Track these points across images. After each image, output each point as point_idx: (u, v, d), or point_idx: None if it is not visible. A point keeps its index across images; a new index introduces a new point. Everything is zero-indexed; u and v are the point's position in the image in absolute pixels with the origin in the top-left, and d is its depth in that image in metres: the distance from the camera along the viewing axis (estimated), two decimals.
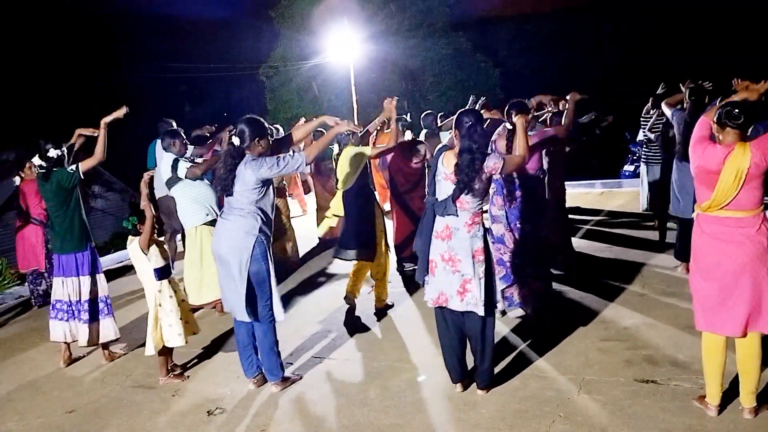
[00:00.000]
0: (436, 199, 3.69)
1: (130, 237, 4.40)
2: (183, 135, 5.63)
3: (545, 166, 5.09)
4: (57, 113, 24.93)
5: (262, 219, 3.97)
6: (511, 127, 4.62)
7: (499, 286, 4.65)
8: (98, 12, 29.04)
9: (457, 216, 3.60)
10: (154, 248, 4.35)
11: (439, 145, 3.86)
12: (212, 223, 5.37)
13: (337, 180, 5.37)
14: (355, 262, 5.43)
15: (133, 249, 4.35)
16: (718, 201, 3.14)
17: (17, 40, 25.53)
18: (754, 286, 3.16)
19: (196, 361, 4.82)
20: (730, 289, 3.20)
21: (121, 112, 5.00)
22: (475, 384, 3.88)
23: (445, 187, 3.64)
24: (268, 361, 4.15)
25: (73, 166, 4.84)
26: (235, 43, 31.61)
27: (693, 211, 3.42)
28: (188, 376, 4.55)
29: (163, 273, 4.37)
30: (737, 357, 3.31)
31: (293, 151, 4.47)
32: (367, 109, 24.31)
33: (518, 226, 4.83)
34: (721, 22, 22.67)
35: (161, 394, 4.34)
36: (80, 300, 4.90)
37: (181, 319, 4.40)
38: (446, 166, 3.63)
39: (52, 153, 4.82)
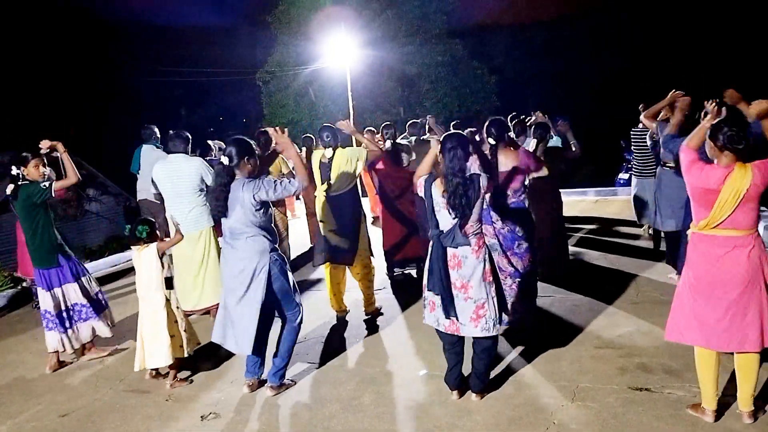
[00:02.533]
0: (441, 231, 3.62)
1: (138, 245, 4.39)
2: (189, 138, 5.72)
3: (526, 182, 5.02)
4: (55, 116, 24.89)
5: (269, 238, 4.00)
6: (493, 143, 4.63)
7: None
8: (97, 17, 29.01)
9: (470, 245, 3.57)
10: (165, 257, 4.41)
11: (423, 176, 3.73)
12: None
13: (329, 184, 5.28)
14: (329, 273, 5.44)
15: (148, 256, 4.34)
16: (714, 219, 3.16)
17: (16, 44, 25.49)
18: (746, 304, 3.19)
19: (190, 365, 4.80)
20: (724, 308, 3.22)
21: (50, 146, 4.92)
22: (470, 391, 3.88)
23: (445, 216, 3.60)
24: (281, 362, 4.21)
25: (46, 183, 4.78)
26: (232, 48, 31.67)
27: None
28: (192, 381, 4.55)
29: (171, 282, 4.44)
30: (736, 361, 3.33)
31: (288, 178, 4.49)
32: (363, 114, 24.35)
33: (515, 251, 4.73)
34: (720, 26, 22.78)
35: (155, 398, 4.32)
36: (73, 304, 4.96)
37: (185, 331, 4.48)
38: (442, 196, 3.59)
39: (15, 171, 4.81)
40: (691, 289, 3.34)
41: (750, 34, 22.15)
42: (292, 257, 7.73)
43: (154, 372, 4.56)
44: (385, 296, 6.00)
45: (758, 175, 3.07)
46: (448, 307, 3.61)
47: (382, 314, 5.61)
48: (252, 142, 4.03)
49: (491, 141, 4.64)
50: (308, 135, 8.85)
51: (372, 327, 5.35)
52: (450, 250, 3.61)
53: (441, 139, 3.70)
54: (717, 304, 3.24)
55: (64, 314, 4.93)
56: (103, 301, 5.24)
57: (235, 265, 3.97)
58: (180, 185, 5.47)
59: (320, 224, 5.32)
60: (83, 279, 5.07)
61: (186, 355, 4.47)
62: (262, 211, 3.94)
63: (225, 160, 3.88)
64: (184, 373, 4.64)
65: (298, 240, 8.58)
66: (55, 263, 4.91)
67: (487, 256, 3.65)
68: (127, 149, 7.68)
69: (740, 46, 22.40)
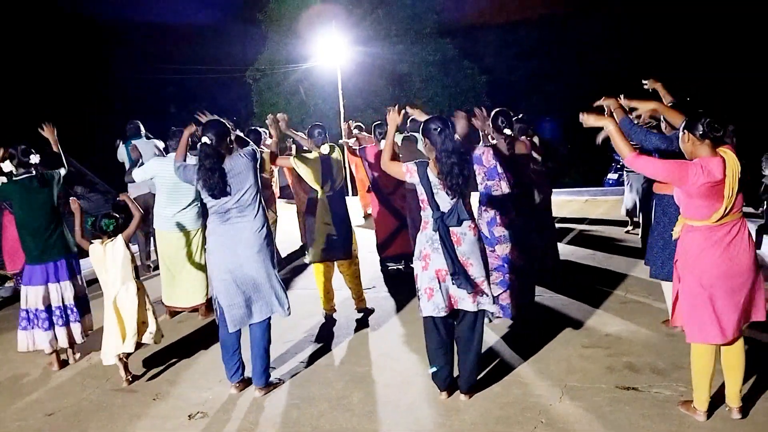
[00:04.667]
0: (442, 213, 3.64)
1: (101, 240, 4.38)
2: None
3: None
4: (45, 113, 24.66)
5: (265, 211, 4.10)
6: (509, 133, 4.77)
7: (495, 291, 4.72)
8: (86, 14, 28.78)
9: (470, 220, 3.65)
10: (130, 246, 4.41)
11: (410, 163, 3.75)
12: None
13: (332, 181, 5.25)
14: (321, 273, 5.39)
15: (116, 248, 4.34)
16: (727, 205, 3.19)
17: (6, 41, 25.23)
18: (752, 285, 3.26)
19: (177, 364, 4.78)
20: (744, 294, 3.25)
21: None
22: (458, 390, 3.89)
23: (444, 198, 3.63)
24: (261, 363, 4.14)
25: (60, 170, 4.90)
26: (222, 46, 31.45)
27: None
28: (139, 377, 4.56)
29: (137, 270, 4.46)
30: (723, 360, 3.36)
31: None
32: (354, 113, 24.31)
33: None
34: (716, 26, 22.87)
35: (141, 397, 4.30)
36: (66, 303, 4.89)
37: (155, 318, 4.51)
38: (438, 177, 3.62)
39: (34, 159, 4.76)
40: (705, 286, 3.27)
41: (748, 34, 22.27)
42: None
43: (131, 376, 4.52)
44: (374, 295, 5.99)
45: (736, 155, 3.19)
46: (462, 280, 3.58)
47: (372, 311, 5.61)
48: (228, 123, 4.09)
49: (508, 131, 4.75)
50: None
51: (362, 326, 5.34)
52: (450, 229, 3.63)
53: (423, 123, 3.77)
54: (738, 292, 3.24)
55: (57, 312, 4.84)
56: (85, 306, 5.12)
57: (243, 244, 3.97)
58: (180, 182, 5.43)
59: (323, 225, 5.24)
60: (78, 277, 5.02)
61: (153, 342, 4.49)
62: (257, 182, 4.04)
63: (207, 140, 3.88)
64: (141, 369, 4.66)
65: (285, 237, 8.56)
66: (73, 250, 4.91)
67: (479, 235, 3.77)
68: (116, 146, 7.66)
69: (737, 47, 22.53)
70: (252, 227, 3.99)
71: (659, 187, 4.42)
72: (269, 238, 4.10)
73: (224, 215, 3.98)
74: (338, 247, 5.29)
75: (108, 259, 4.37)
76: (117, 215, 4.46)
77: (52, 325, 4.83)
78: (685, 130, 3.23)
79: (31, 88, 25.41)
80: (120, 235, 4.38)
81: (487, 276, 3.76)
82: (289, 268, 7.46)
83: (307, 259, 5.50)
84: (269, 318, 4.16)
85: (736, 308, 3.25)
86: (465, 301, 3.66)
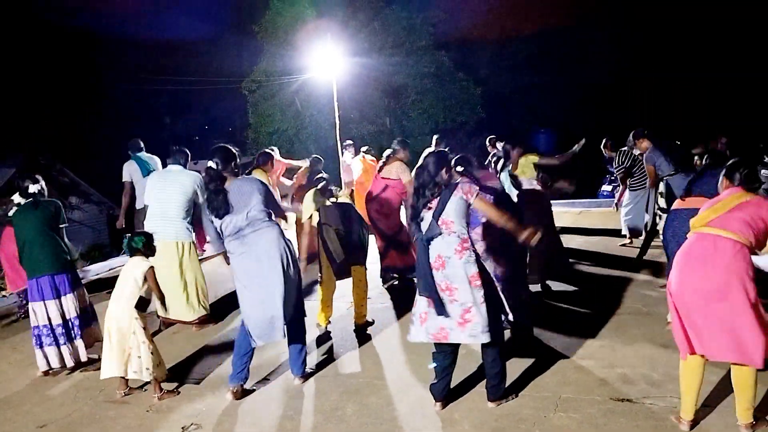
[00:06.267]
0: (421, 231, 3.70)
1: (136, 256, 4.38)
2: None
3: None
4: (41, 127, 24.65)
5: (279, 227, 4.27)
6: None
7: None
8: (83, 27, 28.85)
9: (443, 237, 3.60)
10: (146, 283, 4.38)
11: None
12: None
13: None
14: (326, 285, 5.39)
15: (137, 267, 4.33)
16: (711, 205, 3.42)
17: (7, 52, 25.25)
18: (739, 311, 3.24)
19: (171, 376, 4.75)
20: (712, 313, 3.26)
21: None
22: (453, 402, 3.91)
23: (427, 216, 3.71)
24: (302, 355, 4.43)
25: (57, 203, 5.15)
26: (218, 57, 31.58)
27: None
28: (179, 392, 4.49)
29: (144, 304, 4.39)
30: (733, 375, 3.35)
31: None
32: (349, 125, 24.36)
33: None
34: (713, 28, 23.02)
35: (135, 409, 4.27)
36: (70, 318, 4.93)
37: (152, 354, 4.32)
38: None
39: (33, 189, 4.96)
40: (678, 301, 3.38)
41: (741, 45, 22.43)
42: None
43: (126, 390, 4.48)
44: (370, 306, 5.98)
45: None
46: (438, 306, 3.58)
47: (372, 323, 5.59)
48: (234, 149, 4.28)
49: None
50: (317, 156, 8.64)
51: (358, 338, 5.33)
52: (435, 251, 3.63)
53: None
54: (712, 311, 3.28)
55: (58, 329, 4.87)
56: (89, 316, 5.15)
57: (264, 251, 4.08)
58: (170, 193, 5.52)
59: (335, 234, 5.22)
60: (81, 289, 5.07)
61: (149, 378, 4.33)
62: (265, 200, 4.21)
63: (213, 164, 4.08)
64: (171, 385, 4.58)
65: None
66: (58, 269, 4.90)
67: (473, 259, 3.64)
68: (112, 157, 7.72)
69: (729, 56, 22.68)
70: (268, 236, 4.11)
71: (679, 203, 4.58)
72: (289, 248, 4.21)
73: (239, 234, 4.09)
74: (358, 252, 5.33)
75: (122, 275, 4.36)
76: (150, 232, 4.54)
77: (56, 342, 4.87)
78: (724, 177, 3.48)
79: (30, 98, 25.42)
80: (148, 262, 4.36)
81: (489, 302, 3.63)
82: None
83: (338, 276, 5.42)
84: (303, 314, 4.37)
85: (719, 328, 3.22)
86: (454, 332, 3.60)
